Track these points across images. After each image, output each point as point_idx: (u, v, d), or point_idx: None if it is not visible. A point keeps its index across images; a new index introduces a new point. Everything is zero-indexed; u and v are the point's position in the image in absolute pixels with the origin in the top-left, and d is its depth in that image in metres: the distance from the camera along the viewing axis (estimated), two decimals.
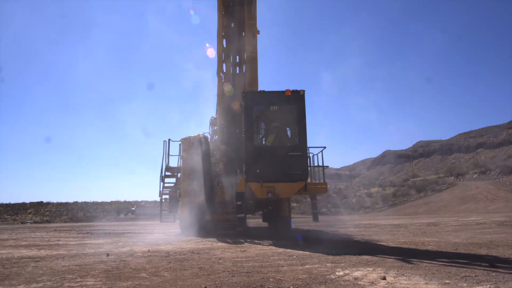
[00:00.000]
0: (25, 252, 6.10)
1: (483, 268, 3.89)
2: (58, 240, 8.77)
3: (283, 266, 4.19)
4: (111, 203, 47.03)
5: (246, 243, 6.95)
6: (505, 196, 26.28)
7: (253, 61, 9.86)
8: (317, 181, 8.58)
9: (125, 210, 41.29)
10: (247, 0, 10.00)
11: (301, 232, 7.59)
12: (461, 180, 39.12)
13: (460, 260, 4.42)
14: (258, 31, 10.04)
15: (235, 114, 9.75)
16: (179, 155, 10.40)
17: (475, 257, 4.75)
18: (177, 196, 10.56)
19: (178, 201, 10.45)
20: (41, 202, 48.60)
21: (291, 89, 7.74)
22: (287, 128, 8.63)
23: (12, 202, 49.49)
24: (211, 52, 10.67)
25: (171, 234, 10.23)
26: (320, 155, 8.69)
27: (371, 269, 3.91)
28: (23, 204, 47.97)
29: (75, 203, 48.96)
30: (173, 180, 10.85)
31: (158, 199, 11.12)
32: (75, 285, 3.36)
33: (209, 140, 10.45)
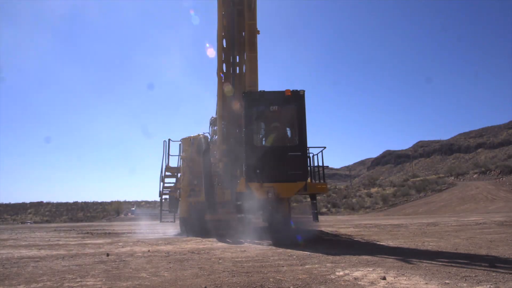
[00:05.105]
0: (25, 252, 6.09)
1: (483, 268, 3.89)
2: (58, 240, 8.76)
3: (283, 266, 4.19)
4: (111, 203, 47.06)
5: (246, 243, 6.95)
6: (505, 196, 26.26)
7: (253, 61, 9.85)
8: (317, 181, 8.58)
9: (125, 210, 41.31)
10: (247, 0, 9.99)
11: (301, 232, 7.58)
12: (461, 180, 39.09)
13: (460, 260, 4.42)
14: (258, 31, 10.03)
15: (235, 114, 9.75)
16: (179, 155, 10.40)
17: (475, 257, 4.75)
18: (177, 196, 10.56)
19: (178, 201, 10.45)
20: (41, 202, 48.64)
21: (291, 89, 7.72)
22: (287, 128, 8.61)
23: (12, 202, 49.61)
24: (211, 52, 10.68)
25: (171, 234, 10.22)
26: (320, 155, 8.68)
27: (371, 269, 3.91)
28: (23, 204, 48.02)
29: (75, 203, 49.01)
30: (173, 180, 10.85)
31: (158, 199, 11.12)
32: (75, 285, 3.36)
33: (209, 140, 10.45)
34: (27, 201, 49.40)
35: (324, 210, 31.38)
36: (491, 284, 3.10)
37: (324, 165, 8.54)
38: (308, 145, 7.81)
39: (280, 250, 5.77)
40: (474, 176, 39.56)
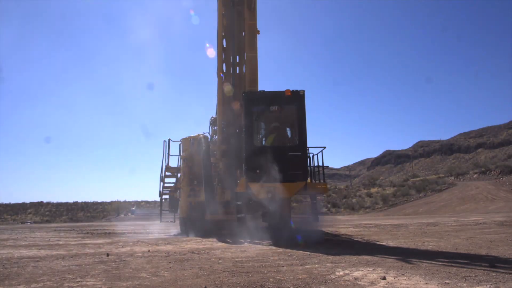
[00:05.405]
0: (25, 252, 6.09)
1: (483, 268, 3.88)
2: (58, 240, 8.76)
3: (283, 266, 4.18)
4: (111, 203, 47.14)
5: (246, 243, 6.95)
6: (505, 196, 26.25)
7: (253, 61, 9.85)
8: (317, 181, 8.57)
9: (125, 210, 41.34)
10: (247, 0, 9.99)
11: (301, 232, 7.59)
12: (461, 180, 39.08)
13: (460, 260, 4.42)
14: (258, 31, 10.03)
15: (235, 114, 9.75)
16: (179, 155, 10.40)
17: (475, 257, 4.75)
18: (177, 196, 10.56)
19: (178, 201, 10.45)
20: (41, 202, 48.69)
21: (291, 89, 7.72)
22: (287, 128, 8.62)
23: (12, 202, 49.70)
24: (211, 52, 10.67)
25: (171, 234, 10.22)
26: (320, 155, 8.68)
27: (371, 269, 3.91)
28: (23, 204, 48.08)
29: (75, 203, 49.06)
30: (173, 180, 10.85)
31: (158, 199, 11.12)
32: (75, 285, 3.36)
33: (209, 140, 10.45)
34: (27, 201, 49.51)
35: (324, 210, 31.39)
36: (491, 284, 3.10)
37: (324, 165, 8.54)
38: (308, 145, 7.82)
39: (280, 250, 5.77)
40: (474, 176, 39.55)
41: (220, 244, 6.91)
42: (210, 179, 8.90)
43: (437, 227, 10.57)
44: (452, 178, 40.92)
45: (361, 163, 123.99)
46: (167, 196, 10.82)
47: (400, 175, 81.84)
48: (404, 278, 3.41)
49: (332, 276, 3.54)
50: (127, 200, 50.27)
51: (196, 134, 9.87)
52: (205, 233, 8.85)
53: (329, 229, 10.86)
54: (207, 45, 11.78)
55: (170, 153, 10.42)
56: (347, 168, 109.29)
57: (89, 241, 8.24)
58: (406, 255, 4.91)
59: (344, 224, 14.20)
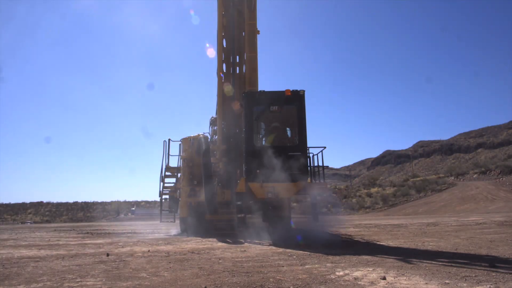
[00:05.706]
0: (25, 252, 6.09)
1: (483, 268, 3.88)
2: (58, 240, 8.76)
3: (283, 266, 4.18)
4: (111, 203, 47.18)
5: (246, 243, 6.94)
6: (505, 196, 26.24)
7: (253, 61, 9.86)
8: (317, 181, 8.58)
9: (125, 210, 41.37)
10: (247, 0, 9.99)
11: (301, 232, 7.60)
12: (461, 180, 39.06)
13: (460, 260, 4.42)
14: (258, 31, 10.04)
15: (235, 114, 9.75)
16: (179, 155, 10.41)
17: (475, 257, 4.74)
18: (177, 196, 10.56)
19: (178, 201, 10.45)
20: (41, 202, 48.75)
21: (291, 89, 7.73)
22: (287, 128, 8.62)
23: (12, 202, 49.77)
24: (211, 52, 10.68)
25: (171, 234, 10.22)
26: (320, 155, 8.69)
27: (371, 269, 3.91)
28: (23, 204, 48.15)
29: (75, 203, 49.10)
30: (173, 180, 10.85)
31: (158, 199, 11.13)
32: (75, 285, 3.36)
33: (209, 140, 10.45)
34: (27, 201, 49.58)
35: (324, 210, 31.39)
36: (491, 284, 3.10)
37: (324, 165, 8.54)
38: (308, 145, 7.82)
39: (280, 250, 5.77)
40: (474, 176, 39.54)
41: (220, 244, 6.91)
42: (210, 179, 8.90)
43: (437, 227, 10.57)
44: (452, 178, 40.92)
45: (361, 163, 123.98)
46: (167, 196, 10.82)
47: (400, 175, 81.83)
48: (404, 278, 3.41)
49: (332, 276, 3.54)
50: (127, 200, 50.32)
51: (196, 134, 9.88)
52: (205, 233, 8.85)
53: (329, 229, 10.86)
54: (207, 45, 11.80)
55: (170, 153, 10.43)
56: (347, 168, 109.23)
57: (89, 241, 8.24)
58: (406, 255, 4.91)
59: (344, 224, 14.19)
